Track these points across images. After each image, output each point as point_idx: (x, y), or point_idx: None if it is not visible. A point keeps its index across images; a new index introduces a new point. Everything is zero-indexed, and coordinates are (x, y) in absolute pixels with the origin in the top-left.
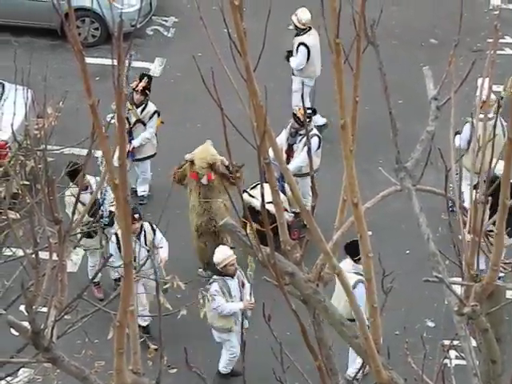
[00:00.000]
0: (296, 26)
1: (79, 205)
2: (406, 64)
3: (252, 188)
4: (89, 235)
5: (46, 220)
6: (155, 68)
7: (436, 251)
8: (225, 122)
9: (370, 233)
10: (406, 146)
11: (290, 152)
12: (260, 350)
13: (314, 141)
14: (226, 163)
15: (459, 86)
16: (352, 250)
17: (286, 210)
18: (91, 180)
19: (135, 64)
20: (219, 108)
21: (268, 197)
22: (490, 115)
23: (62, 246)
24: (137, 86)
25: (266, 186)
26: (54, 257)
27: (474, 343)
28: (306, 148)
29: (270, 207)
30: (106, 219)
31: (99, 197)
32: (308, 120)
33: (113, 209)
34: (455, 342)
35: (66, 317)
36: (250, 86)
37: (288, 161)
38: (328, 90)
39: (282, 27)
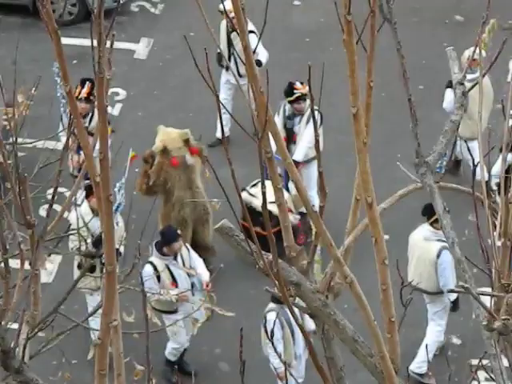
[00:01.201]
0: None
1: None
2: (427, 44)
3: (252, 186)
4: (90, 270)
5: (16, 223)
6: (141, 49)
7: (462, 257)
8: (221, 110)
9: (386, 237)
10: (428, 137)
11: (291, 137)
12: (263, 371)
13: (317, 115)
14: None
15: (488, 69)
16: (429, 211)
17: (291, 210)
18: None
19: (118, 45)
20: (214, 95)
21: (270, 196)
22: (476, 75)
23: (36, 253)
24: (79, 93)
25: (268, 184)
26: (26, 265)
27: (505, 363)
28: (310, 125)
29: (273, 208)
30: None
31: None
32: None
33: (122, 249)
34: (484, 362)
35: (39, 334)
36: (249, 70)
37: (289, 148)
38: (334, 77)
39: (287, 2)
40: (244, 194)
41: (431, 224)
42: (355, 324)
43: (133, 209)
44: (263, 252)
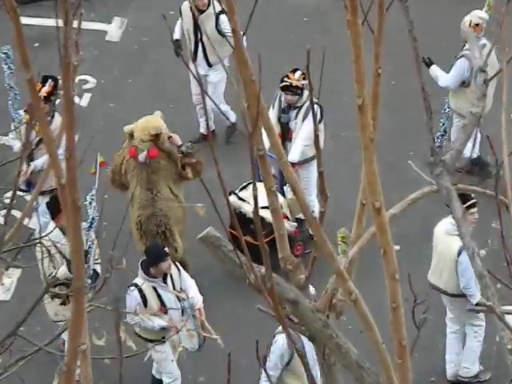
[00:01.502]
0: None
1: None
2: (443, 24)
3: (242, 189)
4: (62, 301)
5: None
6: (113, 31)
7: (484, 271)
8: (205, 101)
9: (397, 247)
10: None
11: (286, 133)
12: None
13: (316, 109)
14: (179, 143)
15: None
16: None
17: (287, 217)
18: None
19: (88, 26)
20: (198, 83)
21: (262, 200)
22: (483, 41)
23: None
24: (39, 91)
25: (260, 186)
26: None
27: None
28: (307, 121)
29: (266, 214)
30: (90, 281)
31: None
32: (303, 84)
33: (98, 268)
34: None
35: None
36: (239, 55)
37: (284, 146)
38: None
39: None
40: (232, 198)
41: None
42: (360, 348)
43: (104, 213)
44: (255, 265)
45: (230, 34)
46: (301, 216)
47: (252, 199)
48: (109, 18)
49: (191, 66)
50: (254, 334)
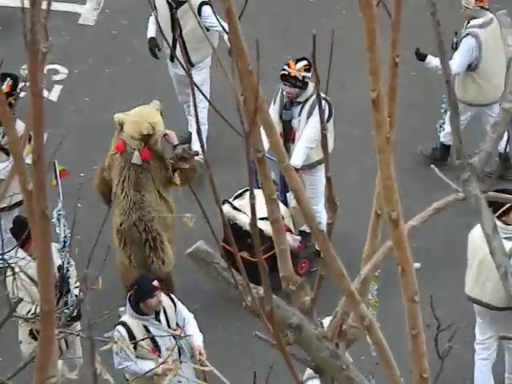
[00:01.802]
0: None
1: None
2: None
3: (237, 197)
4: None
5: None
6: (88, 13)
7: None
8: (195, 95)
9: (417, 265)
10: (472, 131)
11: (289, 133)
12: None
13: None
14: (175, 142)
15: None
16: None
17: (290, 229)
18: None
19: (58, 7)
20: (187, 75)
21: (261, 210)
22: (490, 16)
23: None
24: None
25: (259, 194)
26: None
27: None
28: (312, 119)
29: (265, 226)
30: (71, 308)
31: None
32: (305, 76)
33: (77, 292)
34: None
35: None
36: (234, 41)
37: (287, 148)
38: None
39: None
40: (226, 208)
41: (498, 217)
42: (375, 381)
43: (76, 225)
44: (252, 285)
45: (215, 28)
46: (306, 229)
47: (249, 209)
48: None
49: (170, 66)
50: (251, 362)
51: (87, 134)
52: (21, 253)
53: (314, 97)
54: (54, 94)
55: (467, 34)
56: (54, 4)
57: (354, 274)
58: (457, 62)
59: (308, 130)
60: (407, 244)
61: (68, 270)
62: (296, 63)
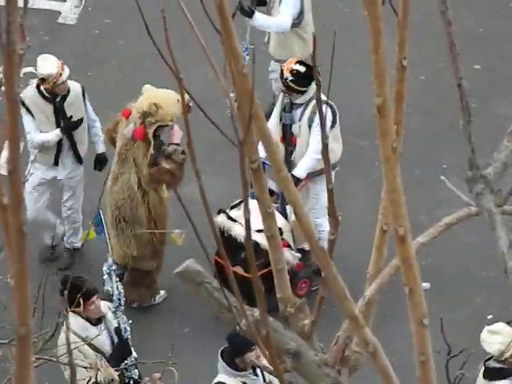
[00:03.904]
0: None
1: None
2: (486, 5)
3: (233, 207)
4: None
5: None
6: (68, 11)
7: None
8: (185, 100)
9: (426, 285)
10: (487, 139)
11: (289, 138)
12: None
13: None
14: (176, 140)
15: None
16: None
17: (289, 245)
18: (103, 306)
19: (37, 4)
20: (176, 78)
21: (258, 222)
22: None
23: None
24: None
25: (255, 205)
26: None
27: None
28: (316, 128)
29: (262, 239)
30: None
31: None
32: (303, 82)
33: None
34: None
35: None
36: (227, 41)
37: (288, 151)
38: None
39: None
40: (221, 218)
41: None
42: None
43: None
44: (247, 307)
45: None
46: (305, 246)
47: (244, 222)
48: None
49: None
50: None
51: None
52: (73, 318)
53: (314, 102)
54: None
55: None
56: (32, 1)
57: (358, 296)
58: (283, 19)
59: (314, 141)
60: (415, 262)
61: (126, 331)
62: (295, 63)
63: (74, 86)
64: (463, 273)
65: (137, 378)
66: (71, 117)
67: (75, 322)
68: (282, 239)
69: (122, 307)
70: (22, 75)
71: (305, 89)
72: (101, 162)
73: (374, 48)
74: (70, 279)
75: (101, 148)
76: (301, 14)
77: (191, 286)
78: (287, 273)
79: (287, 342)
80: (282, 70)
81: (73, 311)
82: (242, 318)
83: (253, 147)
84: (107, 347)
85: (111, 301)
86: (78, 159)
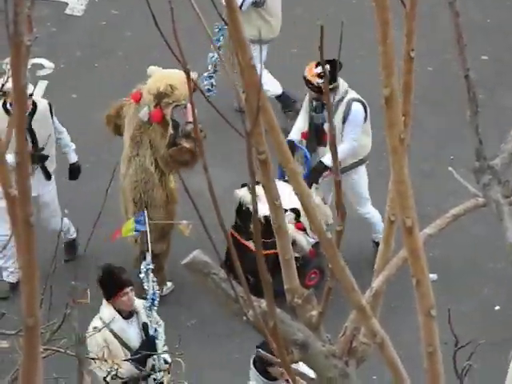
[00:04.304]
0: None
1: None
2: None
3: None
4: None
5: None
6: (75, 2)
7: None
8: (192, 92)
9: (433, 276)
10: (494, 130)
11: (320, 137)
12: None
13: (357, 107)
14: (190, 118)
15: None
16: None
17: (305, 230)
18: (137, 304)
19: None
20: (183, 70)
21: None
22: None
23: None
24: None
25: (285, 187)
26: None
27: None
28: (349, 126)
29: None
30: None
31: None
32: (332, 78)
33: (167, 357)
34: None
35: None
36: (234, 33)
37: (318, 151)
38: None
39: None
40: (243, 192)
41: None
42: None
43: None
44: (254, 298)
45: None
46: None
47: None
48: None
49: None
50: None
51: (74, 134)
52: (106, 307)
53: (346, 100)
54: (38, 91)
55: None
56: None
57: (366, 286)
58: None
59: (348, 138)
60: (423, 254)
61: (156, 331)
62: (315, 67)
63: (41, 103)
64: (470, 264)
65: (159, 380)
66: (42, 149)
67: (107, 311)
68: (299, 221)
69: (156, 307)
70: (29, 66)
71: (336, 84)
72: (75, 171)
73: (382, 39)
74: (109, 269)
75: (73, 158)
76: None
77: (198, 276)
78: (299, 259)
79: (294, 333)
80: (307, 79)
81: (107, 300)
82: (249, 309)
83: (261, 138)
84: (135, 343)
85: (145, 299)
86: (47, 176)
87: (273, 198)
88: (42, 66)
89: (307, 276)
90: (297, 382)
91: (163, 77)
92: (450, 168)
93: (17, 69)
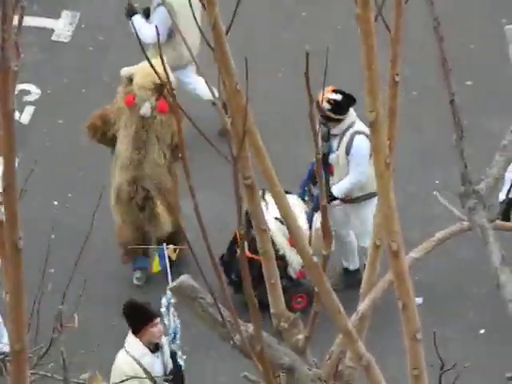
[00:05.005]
0: None
1: None
2: (478, 21)
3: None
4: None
5: None
6: (62, 28)
7: None
8: (180, 117)
9: (419, 300)
10: (479, 155)
11: (326, 167)
12: None
13: (360, 141)
14: None
15: None
16: None
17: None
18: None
19: (31, 22)
20: (169, 95)
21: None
22: None
23: None
24: None
25: (291, 199)
26: None
27: None
28: (355, 159)
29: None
30: None
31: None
32: (341, 110)
33: None
34: None
35: None
36: (221, 58)
37: (325, 180)
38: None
39: None
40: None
41: None
42: None
43: (52, 257)
44: (241, 322)
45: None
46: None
47: (270, 208)
48: (56, 12)
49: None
50: None
51: (61, 159)
52: (134, 341)
53: (351, 132)
54: (25, 116)
55: (159, 5)
56: (26, 19)
57: (351, 310)
58: (152, 31)
59: (353, 170)
60: (408, 277)
61: (179, 366)
62: (330, 92)
63: None
64: (455, 288)
65: None
66: None
67: (136, 346)
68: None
69: (178, 341)
70: (16, 92)
71: (342, 117)
72: None
73: (367, 64)
74: (133, 303)
75: None
76: (171, 31)
77: (186, 300)
78: (284, 279)
79: (281, 357)
80: (318, 101)
81: (134, 334)
82: (235, 333)
83: (247, 163)
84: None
85: (166, 334)
86: None
87: (259, 223)
88: (28, 92)
89: (293, 298)
90: None
91: (148, 70)
92: (435, 192)
93: (5, 94)
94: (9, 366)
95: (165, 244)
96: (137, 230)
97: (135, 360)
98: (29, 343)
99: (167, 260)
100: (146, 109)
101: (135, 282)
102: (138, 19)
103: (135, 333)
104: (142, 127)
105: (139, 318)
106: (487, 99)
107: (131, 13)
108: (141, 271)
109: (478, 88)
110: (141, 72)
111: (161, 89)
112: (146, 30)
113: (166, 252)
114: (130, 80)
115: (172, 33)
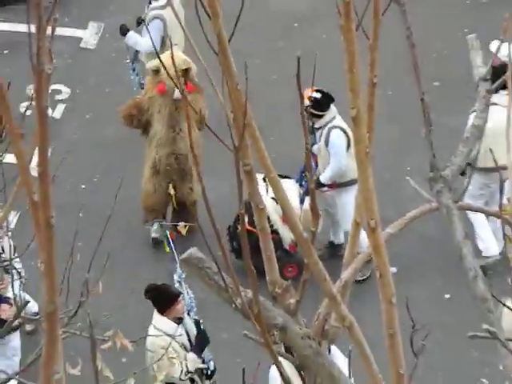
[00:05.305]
0: None
1: None
2: (444, 30)
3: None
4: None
5: None
6: (89, 37)
7: (487, 295)
8: (190, 115)
9: (393, 269)
10: (444, 146)
11: (312, 156)
12: None
13: (335, 135)
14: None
15: None
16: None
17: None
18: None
19: (61, 32)
20: (181, 95)
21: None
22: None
23: None
24: None
25: (288, 184)
26: None
27: None
28: (331, 148)
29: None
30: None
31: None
32: (321, 106)
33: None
34: None
35: None
36: (224, 62)
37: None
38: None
39: None
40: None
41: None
42: (356, 377)
43: (80, 233)
44: (241, 288)
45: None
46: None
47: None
48: (84, 23)
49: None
50: (240, 360)
51: (89, 149)
52: (161, 318)
53: (328, 127)
54: (57, 112)
55: (154, 18)
56: (58, 29)
57: (335, 278)
58: (148, 41)
59: (332, 159)
60: (384, 250)
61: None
62: (312, 92)
63: None
64: (424, 260)
65: (212, 369)
66: None
67: (164, 323)
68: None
69: (195, 309)
70: (49, 91)
71: (322, 113)
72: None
73: (349, 67)
74: (155, 286)
75: None
76: (163, 41)
77: (194, 270)
78: (277, 251)
79: (275, 318)
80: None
81: (162, 313)
82: (237, 298)
83: (247, 152)
84: (186, 343)
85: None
86: None
87: (256, 203)
88: (60, 92)
89: (285, 267)
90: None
91: (170, 60)
92: (407, 177)
93: (39, 93)
94: (43, 326)
95: (168, 231)
96: (163, 197)
97: (165, 333)
98: (60, 306)
99: (172, 244)
100: (177, 93)
101: (153, 234)
102: (132, 35)
103: (161, 312)
104: (176, 109)
105: (165, 300)
106: (451, 98)
107: (125, 31)
108: (158, 224)
109: (444, 88)
110: (166, 63)
111: (185, 74)
112: (142, 42)
113: (171, 240)
114: (156, 71)
115: (163, 40)
